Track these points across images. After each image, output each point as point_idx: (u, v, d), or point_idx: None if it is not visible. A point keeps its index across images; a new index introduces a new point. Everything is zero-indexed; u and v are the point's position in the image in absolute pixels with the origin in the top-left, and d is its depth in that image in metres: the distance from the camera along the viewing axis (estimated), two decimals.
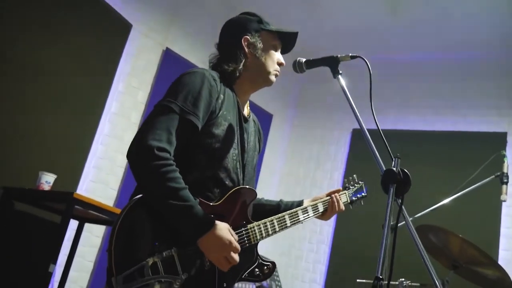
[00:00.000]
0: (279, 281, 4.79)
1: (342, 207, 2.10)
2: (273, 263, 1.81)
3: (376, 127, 1.67)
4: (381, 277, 1.38)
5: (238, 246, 1.62)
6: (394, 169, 1.48)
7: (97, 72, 3.97)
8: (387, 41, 5.07)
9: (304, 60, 1.90)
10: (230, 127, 1.78)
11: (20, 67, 3.45)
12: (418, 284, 2.79)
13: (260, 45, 1.90)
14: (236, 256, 1.61)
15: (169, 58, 4.45)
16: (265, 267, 1.78)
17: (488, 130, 4.66)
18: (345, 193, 2.20)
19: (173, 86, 1.72)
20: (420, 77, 5.20)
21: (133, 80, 4.25)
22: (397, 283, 2.80)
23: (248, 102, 2.00)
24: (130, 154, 1.58)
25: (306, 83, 5.92)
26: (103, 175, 4.01)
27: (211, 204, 1.67)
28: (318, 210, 2.04)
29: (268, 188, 5.38)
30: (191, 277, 1.57)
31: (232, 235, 1.62)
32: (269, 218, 1.81)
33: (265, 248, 5.17)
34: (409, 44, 5.06)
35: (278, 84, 6.43)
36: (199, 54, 4.51)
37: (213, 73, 1.80)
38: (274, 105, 5.59)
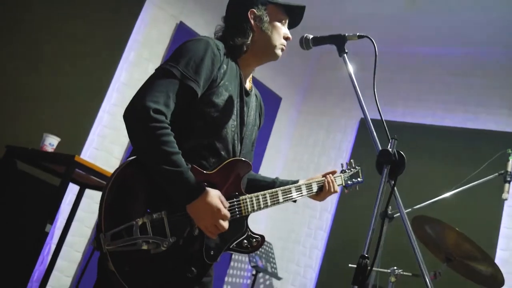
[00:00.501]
0: (274, 263, 4.82)
1: (336, 188, 2.10)
2: (262, 237, 1.82)
3: (378, 112, 1.63)
4: (366, 255, 1.38)
5: (228, 214, 1.63)
6: (390, 149, 1.46)
7: (109, 40, 3.97)
8: (404, 32, 5.01)
9: (311, 36, 1.88)
10: (231, 98, 1.77)
11: (35, 29, 3.47)
12: (410, 274, 2.78)
13: (266, 18, 1.87)
14: (225, 224, 1.61)
15: (182, 31, 4.43)
16: (254, 240, 1.79)
17: (497, 129, 4.60)
18: (341, 176, 2.22)
19: (176, 52, 1.70)
20: (434, 71, 5.15)
21: (144, 51, 4.25)
22: (389, 271, 2.80)
23: (251, 76, 1.99)
24: (126, 114, 1.58)
25: (318, 69, 5.89)
26: (107, 144, 4.03)
27: (205, 172, 1.67)
28: (312, 190, 2.05)
29: (271, 171, 5.38)
30: (179, 241, 1.58)
31: (222, 203, 1.63)
32: (262, 192, 1.82)
33: (264, 230, 5.21)
34: (425, 37, 5.00)
35: (289, 69, 6.42)
36: (213, 30, 4.48)
37: (218, 42, 1.78)
38: (284, 88, 5.57)
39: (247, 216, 1.78)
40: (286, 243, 5.17)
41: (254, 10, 1.87)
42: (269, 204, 1.83)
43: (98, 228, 1.49)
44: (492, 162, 3.48)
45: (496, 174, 3.36)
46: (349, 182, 2.24)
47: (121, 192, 1.53)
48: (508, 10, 4.24)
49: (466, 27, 4.65)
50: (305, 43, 1.88)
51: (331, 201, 5.11)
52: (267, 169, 5.30)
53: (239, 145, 1.82)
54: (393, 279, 2.75)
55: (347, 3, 4.78)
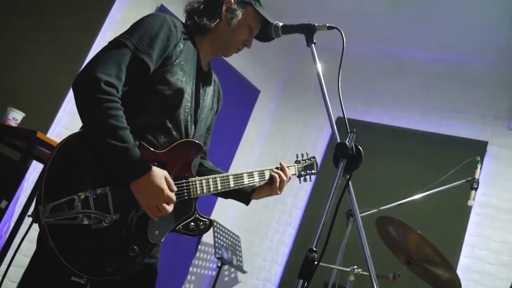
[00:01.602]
0: (240, 256, 4.79)
1: (289, 174, 2.04)
2: (210, 220, 1.79)
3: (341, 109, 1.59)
4: (314, 249, 1.35)
5: (173, 196, 1.60)
6: (347, 143, 1.43)
7: (86, 17, 3.87)
8: (385, 33, 5.01)
9: (280, 24, 1.85)
10: (186, 78, 1.74)
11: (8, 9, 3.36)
12: (367, 274, 2.77)
13: (238, 15, 1.84)
14: (168, 207, 1.59)
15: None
16: (201, 223, 1.77)
17: (470, 137, 4.64)
18: (295, 166, 2.19)
19: (133, 25, 1.69)
20: (412, 74, 5.16)
21: (122, 31, 4.15)
22: (348, 269, 2.79)
23: (210, 60, 1.95)
24: (76, 84, 1.53)
25: (300, 64, 5.85)
26: (77, 122, 3.90)
27: (154, 150, 1.64)
28: (264, 177, 1.98)
29: (245, 164, 5.34)
30: (122, 218, 1.56)
31: (168, 184, 1.59)
32: (213, 176, 1.81)
33: (232, 222, 5.17)
34: (406, 40, 5.00)
35: (270, 61, 6.35)
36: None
37: (175, 20, 1.76)
38: (264, 81, 5.52)
39: (196, 199, 1.76)
40: (254, 237, 5.14)
41: (232, 1, 1.85)
42: (219, 188, 1.80)
43: (38, 199, 1.44)
44: (460, 168, 3.50)
45: (464, 180, 3.39)
46: (302, 172, 2.21)
47: (65, 164, 1.48)
48: (489, 18, 4.26)
49: (448, 33, 4.66)
50: (274, 30, 1.86)
51: (302, 198, 5.09)
52: (241, 162, 5.26)
53: (192, 127, 1.80)
54: (352, 278, 2.75)
55: (331, 0, 4.75)
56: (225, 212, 5.12)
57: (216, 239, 4.42)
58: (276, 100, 5.80)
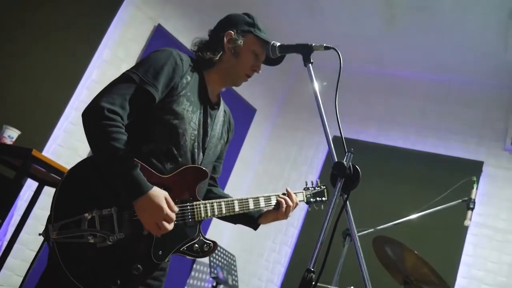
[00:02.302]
0: (236, 275, 4.74)
1: (295, 200, 2.04)
2: (214, 243, 1.83)
3: (338, 128, 1.60)
4: (312, 269, 1.34)
5: (172, 215, 1.65)
6: (345, 163, 1.43)
7: (83, 36, 3.89)
8: (381, 54, 5.06)
9: (278, 44, 1.87)
10: (193, 108, 1.81)
11: (6, 17, 3.37)
12: None
13: (240, 44, 1.91)
14: (167, 225, 1.64)
15: (159, 34, 4.38)
16: (205, 245, 1.82)
17: (466, 157, 4.66)
18: (302, 192, 2.19)
19: (140, 61, 1.79)
20: (408, 94, 5.20)
21: (119, 50, 4.17)
22: None
23: (219, 93, 2.02)
24: (83, 113, 1.64)
25: (296, 83, 5.88)
26: (73, 141, 3.93)
27: (160, 175, 1.71)
28: (271, 202, 2.00)
29: (240, 183, 5.33)
30: (127, 238, 1.63)
31: (168, 204, 1.65)
32: (218, 200, 1.85)
33: (228, 242, 5.13)
34: (401, 61, 5.06)
35: (267, 80, 6.39)
36: (191, 36, 4.40)
37: (182, 54, 1.84)
38: (260, 100, 5.54)
39: (200, 222, 1.81)
40: (250, 256, 5.10)
41: (232, 32, 1.92)
42: (223, 212, 1.85)
43: (48, 219, 1.56)
44: (456, 188, 3.50)
45: (460, 200, 3.38)
46: (311, 199, 2.21)
47: (74, 187, 1.60)
48: (484, 40, 4.32)
49: (443, 54, 4.71)
50: (272, 50, 1.88)
51: (298, 217, 5.07)
52: (236, 181, 5.24)
53: (201, 154, 1.85)
54: None
55: (327, 21, 4.80)
56: (221, 231, 5.08)
57: (212, 259, 4.38)
58: (272, 119, 5.82)
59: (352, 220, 1.43)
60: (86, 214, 1.56)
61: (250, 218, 2.01)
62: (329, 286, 3.03)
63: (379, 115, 5.24)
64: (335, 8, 4.61)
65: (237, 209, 1.89)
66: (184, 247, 1.77)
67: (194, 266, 4.86)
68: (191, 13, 4.65)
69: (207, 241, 1.82)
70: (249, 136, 5.46)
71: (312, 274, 1.33)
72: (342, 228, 4.00)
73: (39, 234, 1.64)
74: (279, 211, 2.00)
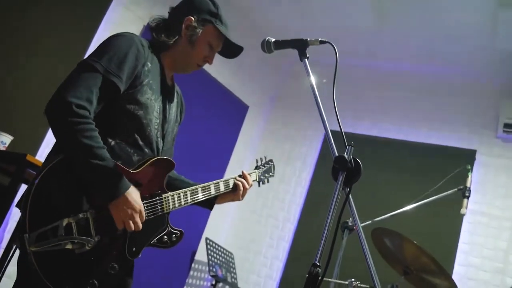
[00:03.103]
0: (235, 273, 4.74)
1: (251, 182, 2.12)
2: (181, 231, 1.86)
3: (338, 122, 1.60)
4: (318, 264, 1.34)
5: (143, 214, 1.68)
6: (346, 156, 1.43)
7: (72, 37, 3.84)
8: (372, 47, 5.07)
9: (273, 40, 1.85)
10: (155, 96, 1.80)
11: None
12: (367, 286, 2.76)
13: (198, 33, 1.89)
14: (139, 223, 1.65)
15: (149, 34, 4.34)
16: (174, 235, 1.84)
17: (459, 146, 4.69)
18: (255, 172, 2.26)
19: (100, 47, 1.71)
20: (401, 86, 5.21)
21: None
22: (346, 282, 2.77)
23: (173, 75, 2.00)
24: (48, 109, 1.56)
25: (288, 79, 5.88)
26: None
27: (130, 171, 1.69)
28: (229, 185, 2.06)
29: None
30: (103, 239, 1.61)
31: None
32: (183, 190, 1.88)
33: (225, 240, 5.13)
34: (392, 53, 5.07)
35: (258, 76, 6.38)
36: None
37: (142, 39, 1.81)
38: (252, 97, 5.53)
39: (168, 213, 1.83)
40: (247, 253, 5.10)
41: (192, 19, 1.89)
42: (189, 201, 1.88)
43: (22, 227, 1.47)
44: (452, 177, 3.53)
45: (456, 189, 3.40)
46: (262, 177, 2.30)
47: (46, 192, 1.51)
48: (473, 29, 4.33)
49: (433, 45, 4.73)
50: (266, 46, 1.86)
51: (294, 212, 5.08)
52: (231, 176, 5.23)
53: (161, 141, 1.86)
54: None
55: (317, 15, 4.80)
56: (218, 229, 5.08)
57: (210, 257, 4.37)
58: (265, 116, 5.81)
59: (356, 213, 1.43)
60: (63, 220, 1.50)
61: (207, 200, 2.02)
62: (329, 280, 3.04)
63: (371, 107, 5.26)
64: (324, 2, 4.60)
65: (200, 196, 1.92)
66: (155, 240, 1.79)
67: (193, 265, 4.86)
68: None
69: (175, 231, 1.84)
70: (242, 134, 5.45)
71: (318, 268, 1.33)
72: (343, 220, 4.01)
73: (13, 244, 1.60)
74: (235, 193, 2.06)
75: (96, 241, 1.57)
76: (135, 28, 4.33)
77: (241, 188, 2.05)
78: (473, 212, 4.35)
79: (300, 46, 1.76)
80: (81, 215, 1.55)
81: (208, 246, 4.42)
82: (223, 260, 4.63)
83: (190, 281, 4.83)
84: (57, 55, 3.74)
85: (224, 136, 5.20)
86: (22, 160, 2.65)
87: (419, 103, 5.08)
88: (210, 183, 1.98)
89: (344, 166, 1.42)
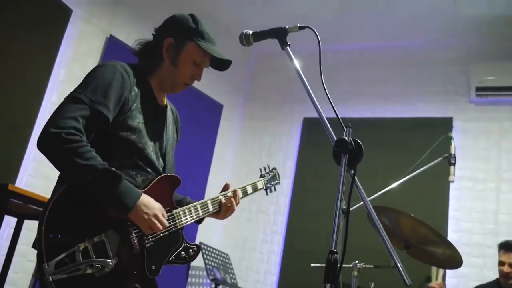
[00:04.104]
0: (233, 273, 4.70)
1: (238, 201, 2.07)
2: (198, 246, 1.89)
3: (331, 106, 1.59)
4: (335, 250, 1.32)
5: (165, 212, 1.71)
6: (346, 138, 1.41)
7: (35, 58, 3.73)
8: (337, 32, 5.08)
9: (251, 32, 1.82)
10: (146, 119, 1.80)
11: None
12: (371, 266, 2.77)
13: (180, 53, 1.87)
14: (164, 220, 1.68)
15: (113, 45, 4.26)
16: (191, 250, 1.87)
17: (435, 116, 4.76)
18: (261, 180, 2.28)
19: (84, 79, 1.71)
20: (369, 66, 5.26)
21: (75, 68, 4.03)
22: (351, 265, 2.77)
23: (163, 94, 1.99)
24: (40, 145, 1.55)
25: (257, 73, 5.86)
26: (44, 169, 3.78)
27: (139, 190, 1.70)
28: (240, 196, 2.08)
29: (220, 181, 5.22)
30: (121, 261, 1.62)
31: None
32: (193, 204, 1.90)
33: (219, 241, 5.08)
34: (357, 35, 5.11)
35: (228, 74, 6.37)
36: None
37: (126, 66, 1.79)
38: (225, 95, 5.49)
39: (182, 228, 1.85)
40: (243, 251, 5.07)
41: (171, 40, 1.87)
42: (200, 214, 1.91)
43: (39, 258, 1.48)
44: (434, 147, 3.57)
45: (441, 158, 3.44)
46: (268, 185, 2.32)
47: (60, 220, 1.53)
48: (436, 2, 4.39)
49: (395, 21, 4.77)
50: (245, 39, 1.82)
51: (283, 204, 5.07)
52: (216, 179, 5.19)
53: (162, 161, 1.88)
54: (355, 273, 2.72)
55: (281, 4, 4.79)
56: (210, 232, 5.03)
57: (206, 261, 4.32)
58: (240, 112, 5.78)
59: (364, 194, 1.42)
60: (79, 245, 1.51)
61: None
62: None
63: (343, 90, 5.27)
64: None
65: (211, 209, 1.94)
66: (173, 256, 1.81)
67: (190, 272, 4.80)
68: (143, 18, 4.53)
69: (191, 245, 1.87)
70: (221, 133, 5.41)
71: (335, 255, 1.31)
72: (333, 209, 4.01)
73: (33, 276, 1.57)
74: (220, 213, 2.01)
75: (114, 262, 1.57)
76: (98, 41, 4.23)
77: (226, 208, 2.00)
78: (458, 178, 4.38)
79: (280, 34, 1.73)
80: (96, 239, 1.56)
81: (203, 251, 4.36)
82: (220, 262, 4.59)
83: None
84: (22, 78, 3.62)
85: (203, 138, 5.15)
86: (4, 190, 2.55)
87: (390, 79, 5.14)
88: (218, 195, 2.00)
89: (346, 148, 1.41)
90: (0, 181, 2.92)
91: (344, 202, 3.25)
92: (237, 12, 4.92)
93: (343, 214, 3.19)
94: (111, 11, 4.38)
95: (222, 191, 2.05)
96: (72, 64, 4.01)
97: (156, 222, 1.64)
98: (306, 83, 1.65)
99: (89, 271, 1.51)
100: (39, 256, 1.48)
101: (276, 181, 2.38)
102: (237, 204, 2.04)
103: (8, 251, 3.29)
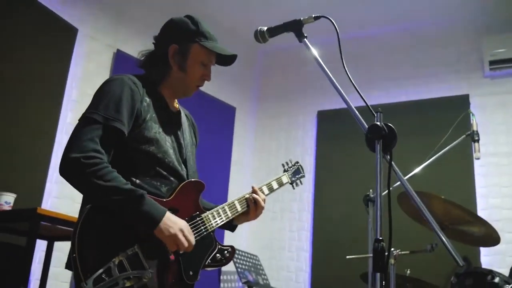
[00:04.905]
0: (265, 274, 4.69)
1: (263, 197, 2.03)
2: (232, 247, 1.88)
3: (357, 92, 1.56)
4: (381, 238, 1.29)
5: (190, 229, 1.70)
6: (378, 123, 1.39)
7: (46, 82, 3.74)
8: (343, 20, 5.03)
9: (265, 28, 1.80)
10: (162, 127, 1.81)
11: None
12: (407, 252, 2.73)
13: (187, 57, 1.87)
14: (190, 237, 1.66)
15: (122, 59, 4.26)
16: (226, 252, 1.86)
17: (451, 95, 4.69)
18: (285, 174, 2.27)
19: (94, 97, 1.72)
20: (378, 51, 5.20)
21: (86, 87, 4.04)
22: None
23: (175, 100, 1.99)
24: (62, 172, 1.58)
25: (265, 72, 5.84)
26: (67, 190, 3.75)
27: (164, 200, 1.70)
28: (264, 193, 2.07)
29: (240, 183, 5.25)
30: (158, 270, 1.62)
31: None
32: (220, 206, 1.89)
33: (246, 244, 5.07)
34: (364, 21, 5.05)
35: (237, 77, 6.34)
36: None
37: (133, 78, 1.79)
38: (236, 97, 5.48)
39: (213, 231, 1.84)
40: (272, 251, 5.05)
41: (176, 47, 1.86)
42: (229, 215, 1.89)
43: (77, 279, 1.49)
44: (455, 126, 3.53)
45: (464, 136, 3.39)
46: (293, 178, 2.32)
47: (90, 238, 1.53)
48: None
49: (402, 3, 4.72)
50: (260, 36, 1.80)
51: (307, 200, 5.04)
52: (236, 182, 5.17)
53: (184, 168, 1.87)
54: (392, 261, 2.69)
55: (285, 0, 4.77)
56: (237, 236, 4.99)
57: (237, 265, 4.31)
58: (253, 112, 5.76)
59: (402, 177, 1.39)
60: (114, 259, 1.52)
61: (228, 222, 1.99)
62: (367, 255, 3.01)
63: (354, 79, 5.22)
64: None
65: (239, 209, 1.92)
66: (209, 260, 1.81)
67: (222, 277, 4.79)
68: (147, 29, 4.52)
69: (225, 247, 1.87)
70: (236, 135, 5.39)
71: (382, 243, 1.28)
72: (355, 199, 3.98)
73: None
74: (250, 212, 1.98)
75: (151, 272, 1.57)
76: (106, 57, 4.25)
77: (254, 206, 1.97)
78: (481, 155, 4.34)
79: (296, 27, 1.72)
80: (129, 251, 1.56)
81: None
82: (250, 264, 4.58)
83: None
84: (36, 103, 3.63)
85: (219, 142, 5.14)
86: (34, 215, 2.56)
87: (400, 63, 5.08)
88: (244, 194, 1.98)
89: (379, 134, 1.38)
90: (27, 205, 2.93)
91: (371, 190, 3.23)
92: (241, 13, 4.90)
93: (370, 202, 3.16)
94: (115, 25, 4.39)
95: None
96: (83, 84, 4.03)
97: (182, 238, 1.63)
98: (328, 72, 1.62)
99: (127, 284, 1.51)
100: (76, 276, 1.48)
101: (301, 174, 2.38)
102: (263, 200, 2.00)
103: (42, 274, 3.32)
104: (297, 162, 2.40)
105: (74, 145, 1.57)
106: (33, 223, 2.58)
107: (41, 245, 3.40)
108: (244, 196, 1.97)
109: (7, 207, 2.89)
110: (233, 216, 1.90)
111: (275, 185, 2.14)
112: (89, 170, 1.53)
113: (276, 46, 5.61)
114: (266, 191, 2.06)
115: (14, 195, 2.95)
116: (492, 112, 4.52)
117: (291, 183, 2.30)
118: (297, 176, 2.34)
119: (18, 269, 2.67)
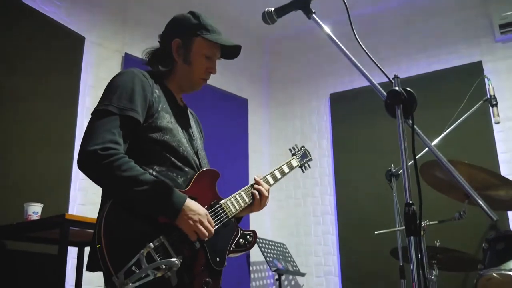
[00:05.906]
0: (293, 261, 4.70)
1: (266, 187, 2.03)
2: (253, 231, 1.91)
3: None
4: (410, 202, 1.29)
5: (210, 217, 1.71)
6: (397, 88, 1.38)
7: (60, 92, 3.78)
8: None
9: (272, 9, 1.79)
10: (173, 118, 1.83)
11: None
12: (436, 222, 2.72)
13: (190, 51, 1.89)
14: (210, 226, 1.68)
15: (131, 62, 4.28)
16: (248, 236, 1.90)
17: (463, 63, 4.63)
18: (294, 158, 2.33)
19: (106, 90, 1.73)
20: (386, 26, 5.15)
21: (99, 93, 4.03)
22: None
23: (181, 97, 2.03)
24: (79, 165, 1.59)
25: (272, 60, 5.82)
26: (90, 196, 3.84)
27: (182, 191, 1.72)
28: (276, 177, 2.13)
29: (260, 172, 5.25)
30: (185, 258, 1.63)
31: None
32: (237, 192, 1.92)
33: (272, 233, 5.08)
34: None
35: (245, 68, 6.34)
36: None
37: (142, 71, 1.82)
38: (247, 89, 5.48)
39: (233, 217, 1.87)
40: (298, 237, 5.06)
41: (179, 41, 1.89)
42: (247, 200, 1.92)
43: (107, 273, 1.50)
44: (471, 94, 3.50)
45: (481, 102, 3.36)
46: (302, 162, 2.38)
47: (116, 233, 1.54)
48: None
49: None
50: (268, 17, 1.80)
51: (329, 183, 5.03)
52: (256, 172, 5.17)
53: (196, 158, 1.89)
54: (422, 232, 2.67)
55: None
56: (262, 226, 5.04)
57: (265, 254, 4.33)
58: (265, 102, 5.76)
59: (427, 139, 1.38)
60: (142, 251, 1.52)
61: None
62: (394, 229, 3.00)
63: (363, 58, 5.18)
64: None
65: (247, 199, 1.93)
66: (233, 246, 1.84)
67: (251, 268, 4.82)
68: (153, 29, 4.54)
69: (247, 232, 1.90)
70: (251, 126, 5.40)
71: (412, 206, 1.27)
72: (375, 179, 3.94)
73: None
74: (255, 203, 1.97)
75: (180, 261, 1.57)
76: (116, 62, 4.28)
77: (258, 196, 1.96)
78: (500, 120, 4.29)
79: (303, 4, 1.71)
80: (156, 242, 1.57)
81: (260, 245, 4.37)
82: (278, 252, 4.59)
83: (254, 284, 4.79)
84: (51, 114, 3.66)
85: (235, 135, 5.16)
86: (63, 221, 2.60)
87: (408, 36, 5.02)
88: (248, 186, 1.97)
89: (399, 99, 1.38)
90: (56, 213, 2.97)
91: (392, 165, 3.20)
92: (246, 5, 4.89)
93: (393, 176, 3.14)
94: (121, 30, 4.41)
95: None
96: (96, 91, 4.06)
97: (202, 228, 1.64)
98: (341, 45, 1.61)
99: (158, 274, 1.52)
100: (106, 272, 1.49)
101: (309, 157, 2.43)
102: (266, 190, 1.98)
103: (76, 281, 3.37)
104: (303, 147, 2.45)
105: (91, 137, 1.58)
106: (63, 228, 2.62)
107: (71, 252, 3.46)
108: (249, 188, 1.98)
109: (35, 217, 2.94)
110: (250, 201, 1.93)
111: (286, 168, 2.19)
112: (106, 161, 1.54)
113: (282, 33, 5.60)
114: (271, 181, 2.08)
115: (41, 205, 2.99)
116: (507, 76, 4.45)
117: (300, 167, 2.36)
118: (305, 159, 2.39)
119: (52, 277, 2.71)
